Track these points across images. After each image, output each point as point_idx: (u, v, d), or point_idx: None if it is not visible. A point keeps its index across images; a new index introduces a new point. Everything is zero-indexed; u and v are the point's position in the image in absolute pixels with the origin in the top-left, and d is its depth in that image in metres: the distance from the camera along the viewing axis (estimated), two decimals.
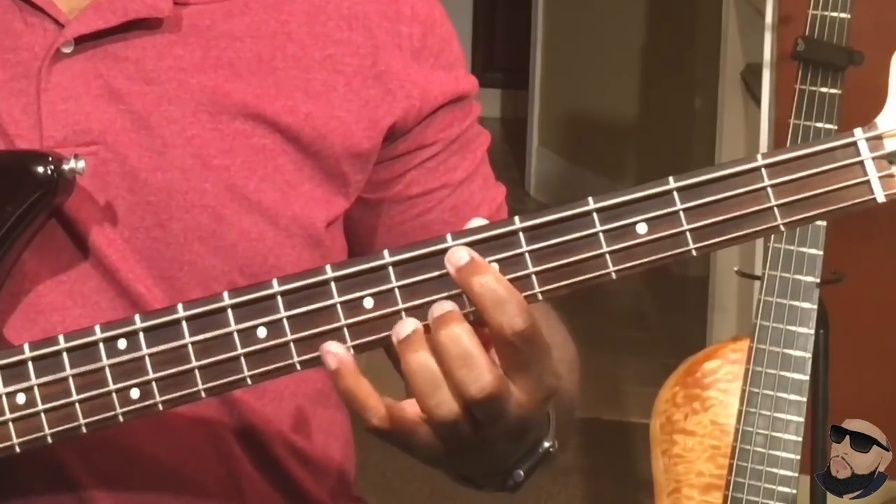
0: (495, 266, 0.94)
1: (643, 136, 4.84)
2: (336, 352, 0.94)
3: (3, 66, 1.11)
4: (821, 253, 2.02)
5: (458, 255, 0.93)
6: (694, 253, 0.94)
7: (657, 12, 4.78)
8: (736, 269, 2.35)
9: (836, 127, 2.01)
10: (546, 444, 1.03)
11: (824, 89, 2.02)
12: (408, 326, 0.94)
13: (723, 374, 2.07)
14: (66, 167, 1.06)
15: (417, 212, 1.21)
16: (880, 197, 0.92)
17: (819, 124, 2.02)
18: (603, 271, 0.94)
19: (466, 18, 6.31)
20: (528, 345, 0.94)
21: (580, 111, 5.09)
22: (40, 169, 1.06)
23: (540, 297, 0.95)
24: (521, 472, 1.03)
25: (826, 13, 2.04)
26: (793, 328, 2.02)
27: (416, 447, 0.96)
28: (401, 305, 0.95)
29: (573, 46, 5.14)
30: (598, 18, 5.00)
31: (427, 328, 0.94)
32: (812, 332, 2.02)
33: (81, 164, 1.06)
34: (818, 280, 2.02)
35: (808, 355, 2.01)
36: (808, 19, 2.05)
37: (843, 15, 2.03)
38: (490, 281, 0.93)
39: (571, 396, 1.18)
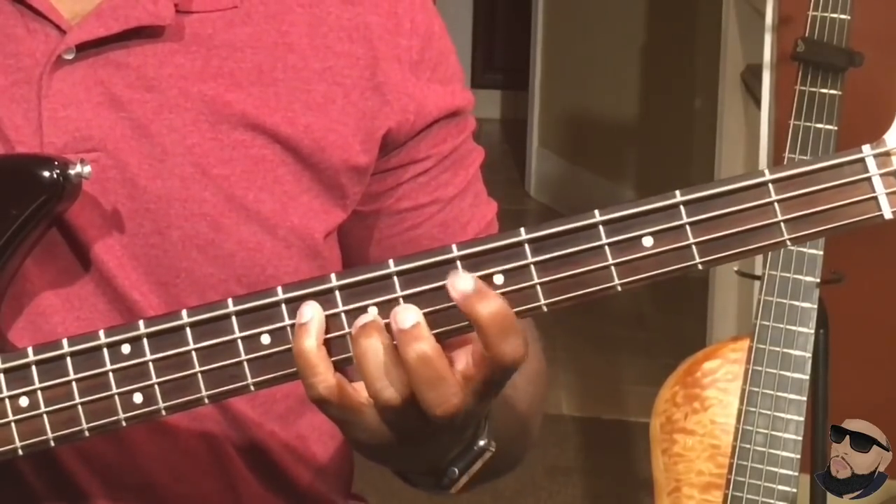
0: (500, 277, 0.95)
1: (643, 136, 4.84)
2: (316, 306, 0.95)
3: (5, 71, 1.11)
4: (821, 253, 2.02)
5: (464, 283, 0.93)
6: (700, 267, 0.95)
7: (657, 12, 4.78)
8: (736, 269, 2.35)
9: (836, 128, 2.01)
10: (481, 443, 1.03)
11: (824, 90, 2.02)
12: (367, 316, 0.94)
13: (722, 373, 2.08)
14: (72, 172, 1.06)
15: (406, 226, 1.21)
16: (888, 213, 0.92)
17: (819, 125, 2.02)
18: (608, 284, 0.94)
19: (466, 19, 6.30)
20: (516, 369, 0.94)
21: (580, 111, 5.08)
22: (46, 173, 1.06)
23: (545, 308, 0.95)
24: (456, 470, 1.03)
25: (826, 14, 2.04)
26: (793, 328, 2.02)
27: (359, 429, 0.97)
28: None
29: (573, 46, 5.13)
30: (598, 19, 5.00)
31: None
32: (812, 331, 2.02)
33: (87, 168, 1.06)
34: (818, 280, 2.02)
35: (808, 355, 2.01)
36: (808, 20, 2.05)
37: (842, 16, 2.03)
38: (500, 308, 0.93)
39: (526, 408, 1.18)
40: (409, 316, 0.93)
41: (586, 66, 5.03)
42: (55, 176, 1.06)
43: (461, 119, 1.21)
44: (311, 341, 0.95)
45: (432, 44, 1.19)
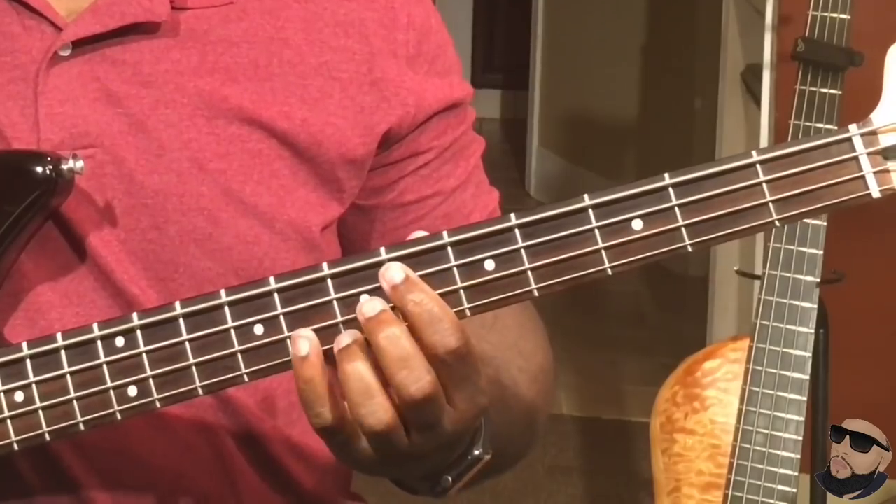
0: (491, 262, 0.94)
1: (643, 136, 4.85)
2: (310, 336, 0.94)
3: (1, 68, 1.11)
4: (821, 253, 2.02)
5: (393, 273, 0.93)
6: (689, 249, 0.94)
7: (657, 12, 4.79)
8: (736, 268, 2.35)
9: (836, 128, 2.01)
10: (476, 452, 1.03)
11: (824, 90, 2.03)
12: (346, 337, 0.94)
13: (722, 373, 2.08)
14: (64, 167, 1.06)
15: (410, 219, 1.21)
16: (875, 192, 0.91)
17: (819, 125, 2.02)
18: (598, 267, 0.94)
19: (466, 18, 6.30)
20: (460, 362, 0.94)
21: (580, 111, 5.09)
22: (39, 169, 1.06)
23: (536, 293, 0.95)
24: (450, 479, 1.03)
25: (826, 14, 2.04)
26: (793, 328, 2.02)
27: (352, 451, 0.97)
28: None
29: (573, 46, 5.14)
30: (598, 18, 5.00)
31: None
32: (812, 331, 2.02)
33: (80, 163, 1.06)
34: (818, 280, 2.02)
35: (808, 354, 2.01)
36: (808, 20, 2.05)
37: (842, 16, 2.03)
38: (424, 299, 0.93)
39: (530, 406, 1.18)
40: (375, 304, 0.93)
41: (586, 66, 5.04)
42: (48, 171, 1.06)
43: (461, 110, 1.22)
44: (317, 370, 0.94)
45: (429, 37, 1.19)
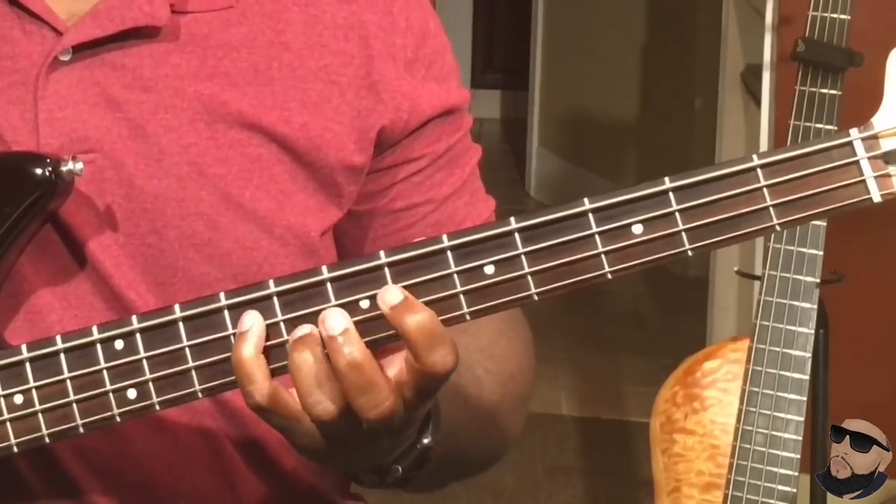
0: (491, 267, 0.94)
1: (643, 136, 4.85)
2: (256, 315, 0.95)
3: (1, 73, 1.11)
4: (821, 253, 2.02)
5: (392, 296, 0.93)
6: (689, 253, 0.94)
7: (657, 12, 4.79)
8: (736, 269, 2.35)
9: (835, 128, 2.01)
10: (425, 441, 1.04)
11: (824, 90, 2.02)
12: (304, 328, 0.94)
13: (722, 373, 2.08)
14: (64, 168, 1.06)
15: (400, 226, 1.21)
16: (876, 197, 0.91)
17: (819, 125, 2.02)
18: (599, 272, 0.94)
19: (466, 19, 6.31)
20: (447, 378, 0.94)
21: (580, 111, 5.09)
22: (38, 170, 1.06)
23: (536, 297, 0.95)
24: (400, 469, 1.04)
25: (826, 14, 2.04)
26: (793, 328, 2.02)
27: (298, 436, 0.97)
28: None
29: (573, 46, 5.14)
30: (598, 18, 5.00)
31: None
32: (812, 331, 2.02)
33: (79, 165, 1.06)
34: (818, 280, 2.02)
35: (808, 355, 2.01)
36: (808, 20, 2.05)
37: (842, 16, 2.03)
38: (427, 320, 0.93)
39: (494, 407, 1.18)
40: (337, 323, 0.94)
41: (586, 66, 5.04)
42: (47, 173, 1.06)
43: (456, 117, 1.21)
44: (249, 350, 0.95)
45: (427, 42, 1.19)
